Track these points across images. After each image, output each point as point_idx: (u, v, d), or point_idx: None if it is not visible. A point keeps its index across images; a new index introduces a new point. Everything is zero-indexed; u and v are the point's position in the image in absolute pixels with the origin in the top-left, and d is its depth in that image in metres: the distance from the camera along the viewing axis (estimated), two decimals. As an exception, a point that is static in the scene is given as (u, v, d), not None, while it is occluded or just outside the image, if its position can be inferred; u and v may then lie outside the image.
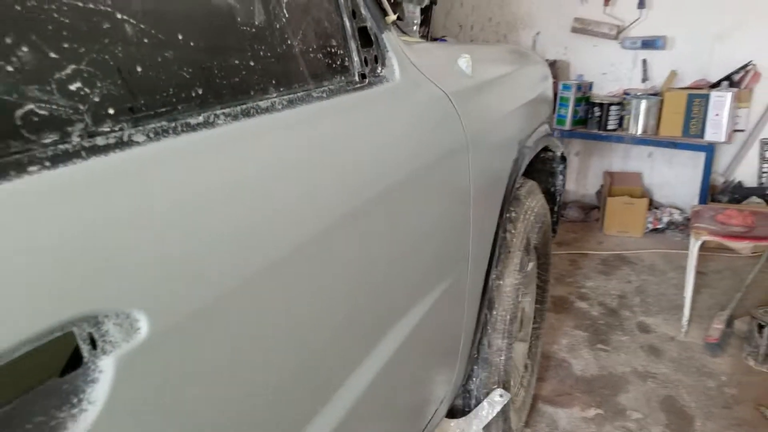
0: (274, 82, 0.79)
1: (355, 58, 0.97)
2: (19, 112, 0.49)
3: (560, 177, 2.20)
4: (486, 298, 1.56)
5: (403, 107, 1.05)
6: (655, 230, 3.96)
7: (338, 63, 0.94)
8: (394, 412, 1.11)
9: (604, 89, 4.21)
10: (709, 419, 2.21)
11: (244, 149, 0.69)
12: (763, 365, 2.48)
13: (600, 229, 4.02)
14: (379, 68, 1.04)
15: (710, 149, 3.61)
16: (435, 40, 4.26)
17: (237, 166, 0.67)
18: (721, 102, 3.49)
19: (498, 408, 1.62)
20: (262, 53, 0.78)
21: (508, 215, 1.68)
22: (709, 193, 3.74)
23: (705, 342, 2.66)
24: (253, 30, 0.77)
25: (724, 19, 3.76)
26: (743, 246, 2.62)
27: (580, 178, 4.49)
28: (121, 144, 0.56)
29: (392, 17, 1.07)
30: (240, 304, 0.63)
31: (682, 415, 2.24)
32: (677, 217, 3.95)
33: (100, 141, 0.55)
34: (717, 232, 2.61)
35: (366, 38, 1.02)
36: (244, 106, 0.72)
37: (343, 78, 0.94)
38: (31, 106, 0.50)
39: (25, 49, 0.50)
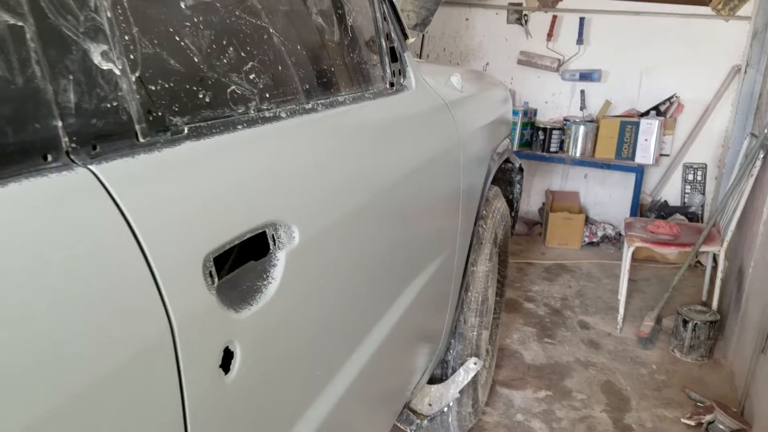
0: (343, 84, 1.07)
1: (388, 71, 1.26)
2: (228, 90, 0.76)
3: (518, 186, 2.52)
4: (464, 281, 1.85)
5: (419, 110, 1.34)
6: (590, 243, 4.38)
7: (378, 73, 1.22)
8: (399, 373, 1.37)
9: (546, 116, 4.62)
10: (642, 399, 2.55)
11: (334, 127, 0.97)
12: (688, 356, 2.86)
13: (542, 241, 4.40)
14: (402, 79, 1.33)
15: (640, 171, 4.06)
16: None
17: (332, 137, 0.94)
18: (650, 128, 3.95)
19: (472, 374, 1.90)
20: (338, 63, 1.06)
21: (480, 212, 1.99)
22: (639, 210, 4.18)
23: (638, 336, 3.03)
24: (334, 47, 1.05)
25: (650, 56, 4.24)
26: (670, 252, 3.01)
27: (525, 196, 4.88)
28: (275, 117, 0.83)
29: (411, 39, 1.36)
30: (341, 232, 0.90)
31: (619, 396, 2.58)
32: (610, 231, 4.38)
33: (266, 114, 0.81)
34: (647, 239, 3.00)
35: (393, 55, 1.31)
36: (330, 99, 1.00)
37: (380, 85, 1.23)
38: (233, 87, 0.77)
39: (231, 49, 0.77)
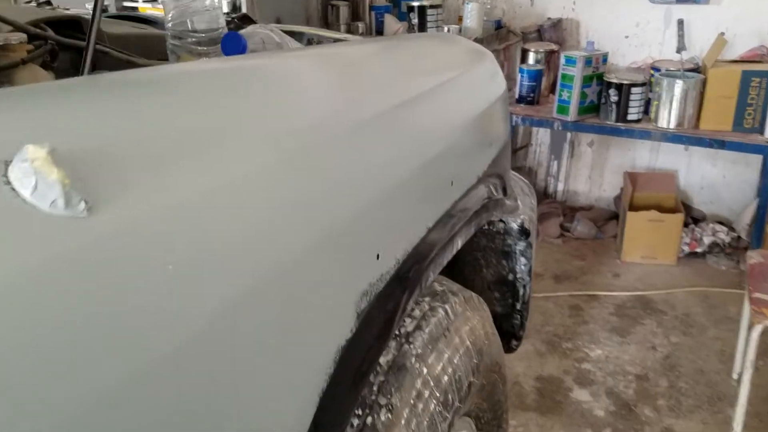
0: None
1: None
2: None
3: (522, 259, 1.23)
4: None
5: None
6: (692, 254, 2.94)
7: None
8: None
9: (626, 58, 3.17)
10: None
11: None
12: None
13: (617, 253, 3.01)
14: None
15: (770, 149, 2.57)
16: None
17: None
18: (792, 82, 2.44)
19: None
20: None
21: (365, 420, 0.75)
22: (769, 204, 2.72)
23: (769, 477, 1.71)
24: None
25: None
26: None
27: (595, 176, 3.48)
28: None
29: None
30: None
31: None
32: (723, 236, 2.92)
33: None
34: (793, 311, 1.63)
35: None
36: None
37: None
38: None
39: None
